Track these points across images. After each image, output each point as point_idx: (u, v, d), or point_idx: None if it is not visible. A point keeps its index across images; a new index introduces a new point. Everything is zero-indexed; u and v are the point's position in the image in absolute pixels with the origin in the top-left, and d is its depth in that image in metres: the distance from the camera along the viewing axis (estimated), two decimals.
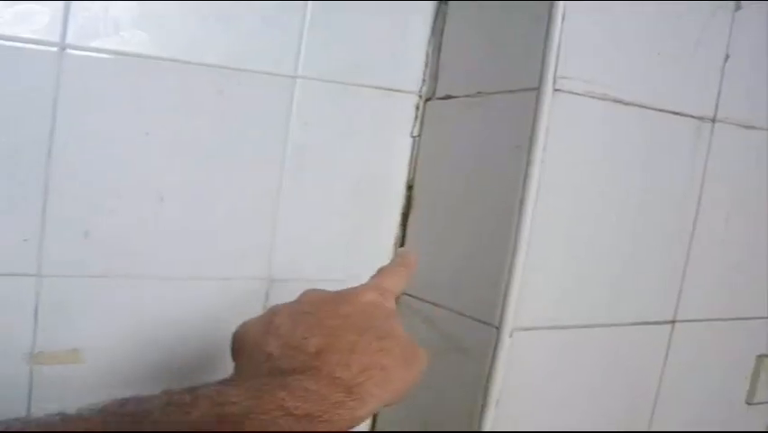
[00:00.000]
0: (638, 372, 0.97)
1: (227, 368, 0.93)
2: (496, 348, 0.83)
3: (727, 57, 0.94)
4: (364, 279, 0.93)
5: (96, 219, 0.86)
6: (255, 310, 0.91)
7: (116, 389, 0.85)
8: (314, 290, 0.63)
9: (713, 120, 0.94)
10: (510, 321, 0.82)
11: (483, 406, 0.84)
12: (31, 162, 0.81)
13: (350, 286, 0.91)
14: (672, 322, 0.97)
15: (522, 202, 0.81)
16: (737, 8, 0.92)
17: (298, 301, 0.61)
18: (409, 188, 1.03)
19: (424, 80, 1.01)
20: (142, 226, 0.88)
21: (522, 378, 0.86)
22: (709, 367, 1.05)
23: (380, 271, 0.68)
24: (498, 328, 0.82)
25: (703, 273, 0.99)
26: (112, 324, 0.89)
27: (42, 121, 0.81)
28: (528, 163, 0.81)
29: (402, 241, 1.03)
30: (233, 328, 0.92)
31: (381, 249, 1.03)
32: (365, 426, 1.08)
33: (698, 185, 0.95)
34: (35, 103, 0.80)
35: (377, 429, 1.08)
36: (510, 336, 0.82)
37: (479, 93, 0.91)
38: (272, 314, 0.59)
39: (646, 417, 1.00)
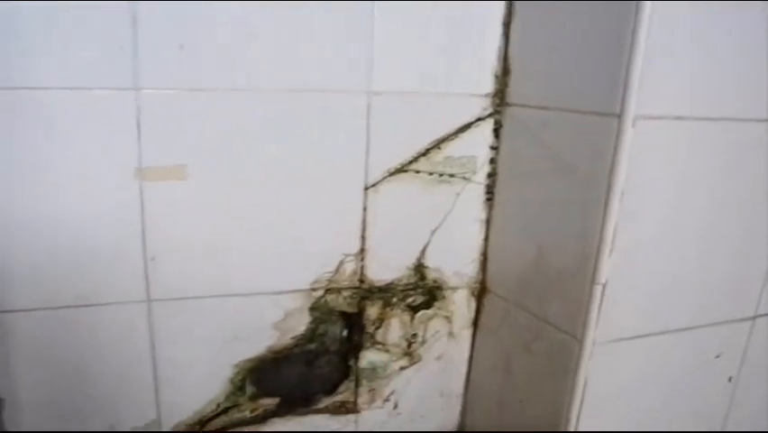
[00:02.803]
0: None
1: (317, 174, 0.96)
2: (618, 137, 0.80)
3: None
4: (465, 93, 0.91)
5: (190, 32, 0.87)
6: (359, 125, 0.92)
7: (220, 203, 0.89)
8: None
9: None
10: (632, 108, 0.80)
11: (607, 201, 0.83)
12: None
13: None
14: None
15: None
16: None
17: None
18: None
19: None
20: (239, 38, 0.89)
21: (645, 170, 0.84)
22: None
23: None
24: (620, 117, 0.80)
25: None
26: (214, 138, 0.92)
27: None
28: None
29: (505, 52, 1.00)
30: (336, 143, 0.94)
31: (483, 60, 1.01)
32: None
33: None
34: None
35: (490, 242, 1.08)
36: (633, 125, 0.80)
37: None
38: None
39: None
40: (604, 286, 0.86)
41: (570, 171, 0.89)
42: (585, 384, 0.91)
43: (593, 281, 0.87)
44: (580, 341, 0.90)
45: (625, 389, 0.96)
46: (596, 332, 0.89)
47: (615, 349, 0.92)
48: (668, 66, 0.81)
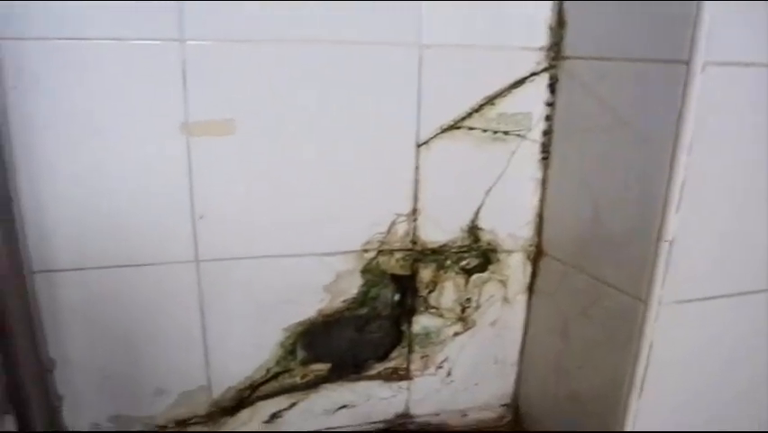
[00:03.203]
0: None
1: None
2: (686, 85, 0.76)
3: None
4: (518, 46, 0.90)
5: None
6: (410, 79, 0.91)
7: (268, 160, 0.87)
8: None
9: None
10: (702, 53, 0.76)
11: (674, 153, 0.79)
12: None
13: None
14: None
15: None
16: None
17: None
18: None
19: None
20: None
21: (714, 120, 0.80)
22: None
23: None
24: (688, 63, 0.76)
25: None
26: (261, 91, 0.91)
27: None
28: None
29: (560, 2, 0.95)
30: (386, 98, 0.93)
31: (537, 11, 0.99)
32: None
33: None
34: None
35: (546, 202, 1.05)
36: (702, 71, 0.76)
37: None
38: None
39: None
40: (671, 243, 0.83)
41: (631, 125, 0.86)
42: (650, 348, 0.87)
43: (659, 238, 0.83)
44: (645, 302, 0.86)
45: (689, 353, 0.93)
46: (662, 292, 0.85)
47: (680, 311, 0.88)
48: (739, 7, 0.76)
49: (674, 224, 0.82)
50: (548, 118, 1.02)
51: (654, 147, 0.82)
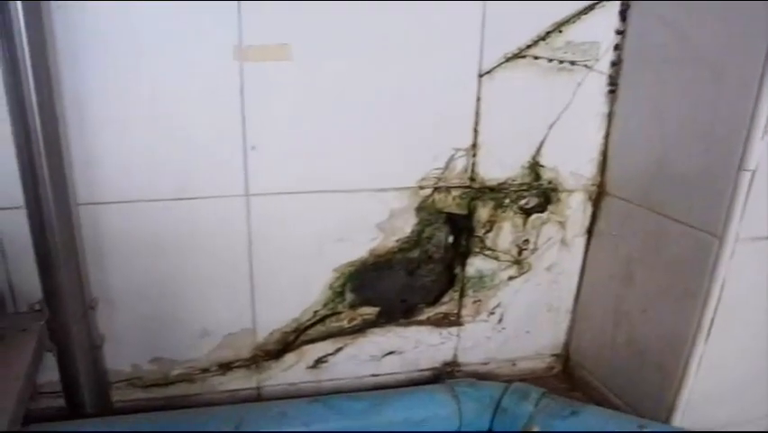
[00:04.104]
0: None
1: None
2: None
3: None
4: None
5: None
6: (473, 5, 0.87)
7: (324, 88, 0.84)
8: None
9: None
10: None
11: (763, 73, 0.75)
12: None
13: None
14: None
15: None
16: None
17: None
18: None
19: None
20: None
21: None
22: None
23: None
24: None
25: None
26: (319, 15, 0.88)
27: None
28: None
29: None
30: (448, 23, 0.89)
31: None
32: None
33: None
34: None
35: (611, 138, 1.02)
36: None
37: None
38: None
39: None
40: (753, 174, 0.79)
41: (713, 49, 0.83)
42: (722, 288, 0.84)
43: (740, 168, 0.80)
44: (720, 238, 0.84)
45: (761, 295, 0.89)
46: (739, 227, 0.82)
47: (756, 249, 0.86)
48: None
49: (758, 151, 0.79)
50: (617, 48, 0.98)
51: (741, 70, 0.78)
